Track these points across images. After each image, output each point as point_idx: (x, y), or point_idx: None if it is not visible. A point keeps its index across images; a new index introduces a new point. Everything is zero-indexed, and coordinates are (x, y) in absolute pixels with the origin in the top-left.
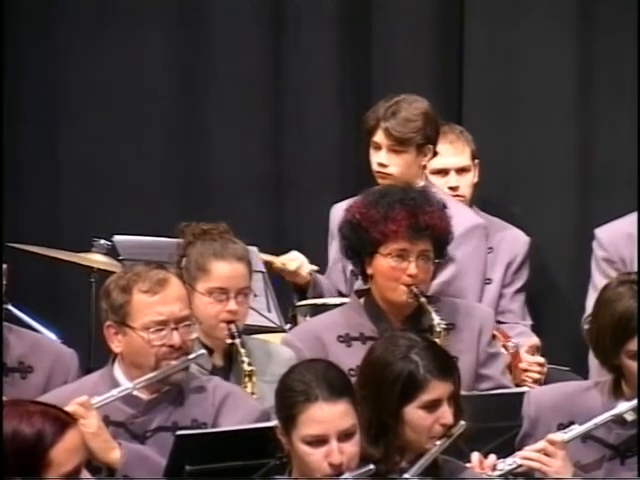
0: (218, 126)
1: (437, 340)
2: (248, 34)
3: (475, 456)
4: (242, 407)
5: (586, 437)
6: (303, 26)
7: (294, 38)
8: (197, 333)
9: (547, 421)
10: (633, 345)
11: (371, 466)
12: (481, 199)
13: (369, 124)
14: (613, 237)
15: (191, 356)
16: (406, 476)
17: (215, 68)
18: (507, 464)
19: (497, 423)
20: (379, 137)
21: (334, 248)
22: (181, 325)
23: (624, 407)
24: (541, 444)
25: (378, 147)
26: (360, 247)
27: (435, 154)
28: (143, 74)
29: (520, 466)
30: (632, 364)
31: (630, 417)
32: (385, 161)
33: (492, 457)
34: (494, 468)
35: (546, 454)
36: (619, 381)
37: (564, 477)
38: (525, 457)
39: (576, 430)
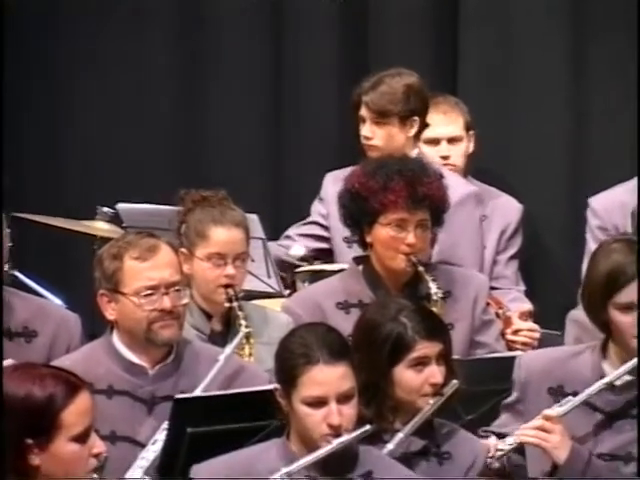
0: (219, 98)
1: (434, 308)
2: (250, 17)
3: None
4: (253, 384)
5: None
6: (302, 7)
7: (294, 20)
8: (187, 299)
9: (537, 385)
10: (623, 297)
11: (367, 427)
12: (476, 168)
13: (354, 99)
14: (607, 206)
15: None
16: (400, 435)
17: (218, 46)
18: (507, 444)
19: (491, 386)
20: (363, 111)
21: (321, 209)
22: (172, 290)
23: (615, 374)
24: (538, 422)
25: (363, 120)
26: (359, 216)
27: (426, 125)
28: (146, 48)
29: (521, 444)
30: (621, 317)
31: (619, 382)
32: (369, 134)
33: (493, 439)
34: (496, 450)
35: (544, 430)
36: (607, 343)
37: (563, 450)
38: (523, 435)
39: (570, 402)
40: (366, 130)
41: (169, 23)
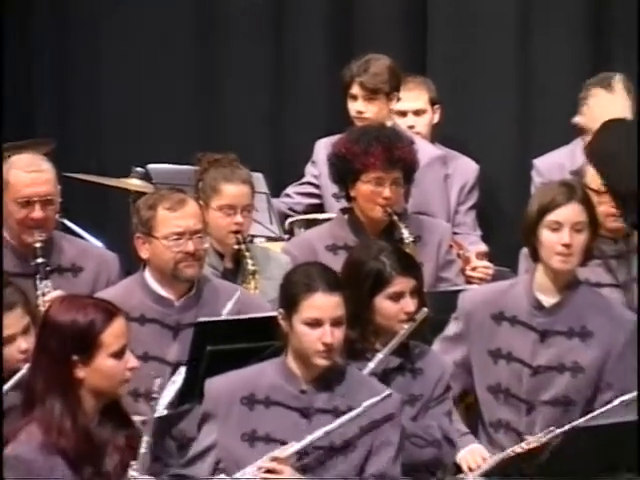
0: (231, 80)
1: (407, 250)
2: (250, 17)
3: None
4: (259, 311)
5: (514, 322)
6: (302, 6)
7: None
8: (207, 244)
9: (481, 314)
10: (552, 216)
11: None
12: (441, 135)
13: (345, 80)
14: (548, 166)
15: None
16: (380, 355)
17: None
18: None
19: (453, 314)
20: (355, 90)
21: (314, 171)
22: (195, 236)
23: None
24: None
25: (354, 98)
26: (345, 175)
27: (398, 99)
28: (167, 29)
29: None
30: (549, 234)
31: (547, 304)
32: (362, 109)
33: None
34: None
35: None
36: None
37: None
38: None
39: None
40: (359, 106)
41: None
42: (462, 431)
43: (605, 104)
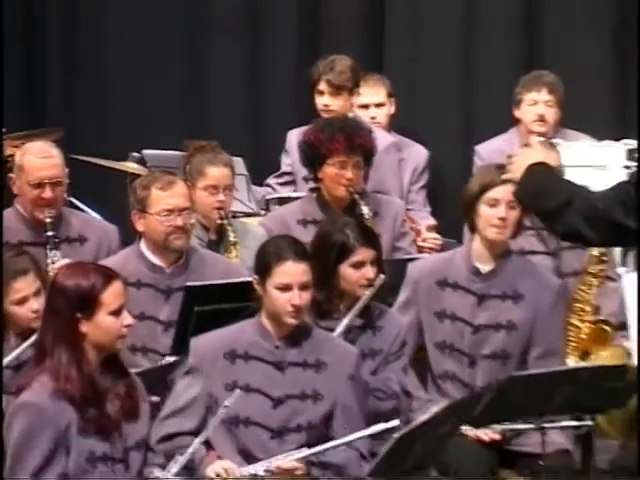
0: (213, 78)
1: (367, 224)
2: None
3: None
4: (239, 277)
5: (456, 287)
6: (276, 9)
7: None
8: (194, 219)
9: (427, 281)
10: (491, 194)
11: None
12: (396, 125)
13: (313, 78)
14: (488, 152)
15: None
16: (345, 321)
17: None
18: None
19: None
20: (322, 86)
21: (287, 160)
22: (184, 213)
23: None
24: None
25: (321, 93)
26: (313, 159)
27: (359, 94)
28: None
29: None
30: (487, 209)
31: (484, 271)
32: (328, 102)
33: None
34: None
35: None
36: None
37: None
38: None
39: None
40: (325, 100)
41: None
42: (415, 385)
43: (527, 157)
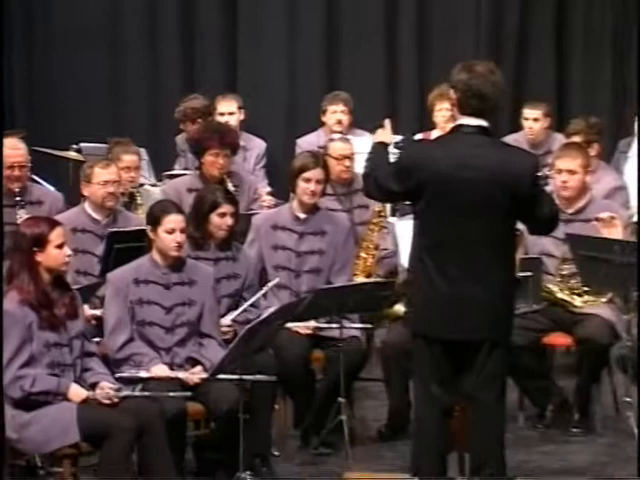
0: (134, 85)
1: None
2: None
3: None
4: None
5: (284, 229)
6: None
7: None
8: (115, 188)
9: (265, 225)
10: (306, 174)
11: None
12: (245, 126)
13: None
14: (305, 144)
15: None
16: (245, 305)
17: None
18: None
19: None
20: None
21: (181, 161)
22: (115, 183)
23: None
24: None
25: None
26: (198, 150)
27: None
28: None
29: None
30: (304, 184)
31: (302, 218)
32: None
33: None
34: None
35: None
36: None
37: None
38: None
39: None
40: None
41: None
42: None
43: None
